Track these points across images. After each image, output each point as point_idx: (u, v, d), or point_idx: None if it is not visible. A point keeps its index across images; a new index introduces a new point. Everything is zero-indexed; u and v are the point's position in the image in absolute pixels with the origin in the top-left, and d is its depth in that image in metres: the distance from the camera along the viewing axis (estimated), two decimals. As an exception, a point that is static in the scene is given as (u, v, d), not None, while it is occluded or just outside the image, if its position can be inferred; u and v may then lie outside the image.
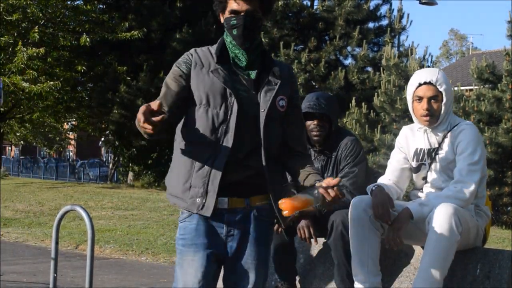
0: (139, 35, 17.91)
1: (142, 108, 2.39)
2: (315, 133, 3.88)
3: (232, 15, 2.63)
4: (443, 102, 3.45)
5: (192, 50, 2.75)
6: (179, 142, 2.73)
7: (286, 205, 2.51)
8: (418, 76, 3.51)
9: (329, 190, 2.48)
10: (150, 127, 2.40)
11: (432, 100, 3.45)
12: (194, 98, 2.66)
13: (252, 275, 2.70)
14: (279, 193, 2.68)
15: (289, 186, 2.84)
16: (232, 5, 2.62)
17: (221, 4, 2.67)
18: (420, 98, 3.47)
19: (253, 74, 2.68)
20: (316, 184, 2.57)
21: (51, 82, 17.02)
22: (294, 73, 2.82)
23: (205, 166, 2.61)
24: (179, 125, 2.74)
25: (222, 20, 2.70)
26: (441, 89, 3.45)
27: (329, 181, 2.51)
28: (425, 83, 3.47)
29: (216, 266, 2.69)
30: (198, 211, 2.63)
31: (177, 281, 2.69)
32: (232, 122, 2.59)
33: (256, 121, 2.62)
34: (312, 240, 3.83)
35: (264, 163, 2.62)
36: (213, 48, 2.72)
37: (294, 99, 2.76)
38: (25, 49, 16.49)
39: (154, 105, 2.39)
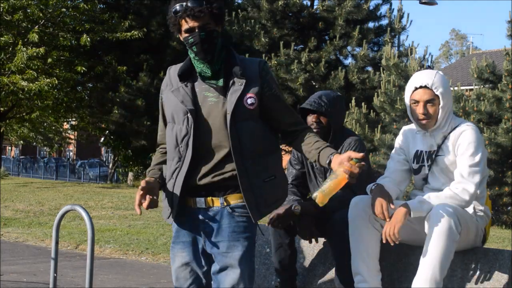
0: (140, 35, 17.88)
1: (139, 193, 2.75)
2: (313, 127, 3.89)
3: (187, 34, 2.77)
4: (440, 106, 3.45)
5: (168, 70, 2.97)
6: None
7: (318, 199, 2.75)
8: (415, 80, 3.51)
9: (352, 168, 2.66)
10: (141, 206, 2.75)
11: (428, 104, 3.45)
12: (166, 117, 2.91)
13: (230, 271, 2.77)
14: (258, 190, 2.76)
15: (276, 180, 2.84)
16: (185, 25, 2.77)
17: (175, 27, 2.83)
18: (417, 102, 3.47)
19: (220, 81, 2.80)
20: (333, 162, 2.73)
21: (48, 80, 17.00)
22: (266, 67, 2.85)
23: (171, 180, 2.83)
24: None
25: (182, 40, 2.85)
26: (437, 92, 3.44)
27: (350, 154, 2.69)
28: (421, 86, 3.46)
29: (206, 260, 2.86)
30: (166, 219, 2.91)
31: (172, 273, 2.91)
32: (190, 138, 2.75)
33: (225, 124, 2.75)
34: (313, 240, 3.82)
35: (236, 165, 2.72)
36: (179, 67, 2.89)
37: (267, 92, 2.82)
38: (25, 48, 16.48)
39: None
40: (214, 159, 2.76)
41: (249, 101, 2.76)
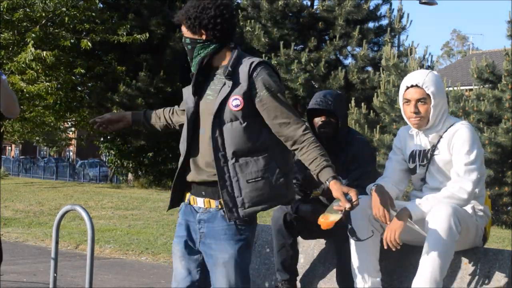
0: (142, 39, 17.83)
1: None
2: (322, 129, 3.89)
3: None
4: (431, 105, 3.45)
5: None
6: None
7: (322, 225, 2.81)
8: (406, 79, 3.53)
9: (346, 206, 2.67)
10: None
11: (420, 103, 3.45)
12: None
13: (218, 273, 2.80)
14: (237, 190, 2.76)
15: (264, 181, 2.77)
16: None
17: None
18: (408, 101, 3.49)
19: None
20: (332, 190, 2.71)
21: (47, 83, 16.99)
22: (260, 68, 2.80)
23: (177, 170, 2.95)
24: None
25: None
26: (429, 91, 3.44)
27: (343, 190, 2.68)
28: (412, 86, 3.47)
29: (201, 257, 2.90)
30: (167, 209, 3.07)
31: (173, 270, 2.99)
32: (185, 134, 2.89)
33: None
34: (314, 240, 3.81)
35: (216, 166, 2.76)
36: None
37: (256, 94, 2.77)
38: (32, 49, 16.38)
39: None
40: (207, 159, 2.81)
41: (234, 102, 2.77)
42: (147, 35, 18.03)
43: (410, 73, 3.60)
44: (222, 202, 2.78)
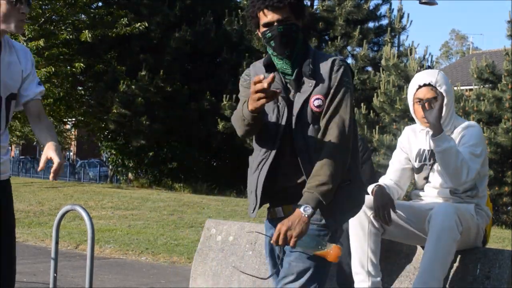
0: (141, 28, 17.81)
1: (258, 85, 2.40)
2: None
3: (266, 28, 2.60)
4: (444, 103, 3.45)
5: (251, 66, 2.78)
6: None
7: (331, 258, 2.52)
8: (418, 78, 3.51)
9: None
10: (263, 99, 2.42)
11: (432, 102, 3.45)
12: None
13: (299, 276, 2.57)
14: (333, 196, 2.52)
15: (352, 185, 2.61)
16: (264, 19, 2.59)
17: (254, 20, 2.64)
18: (421, 100, 3.47)
19: (294, 76, 2.63)
20: None
21: (45, 69, 16.92)
22: (339, 66, 2.60)
23: (256, 171, 2.65)
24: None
25: (260, 36, 2.68)
26: (441, 90, 3.45)
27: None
28: (424, 85, 3.47)
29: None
30: (250, 214, 2.68)
31: None
32: (280, 129, 2.59)
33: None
34: None
35: (304, 171, 2.55)
36: (263, 60, 2.72)
37: (333, 93, 2.58)
38: (24, 43, 16.46)
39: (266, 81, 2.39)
40: (291, 161, 2.58)
41: (316, 102, 2.57)
42: (146, 24, 18.01)
43: (419, 73, 3.59)
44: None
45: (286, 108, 2.60)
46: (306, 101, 2.57)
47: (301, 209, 2.46)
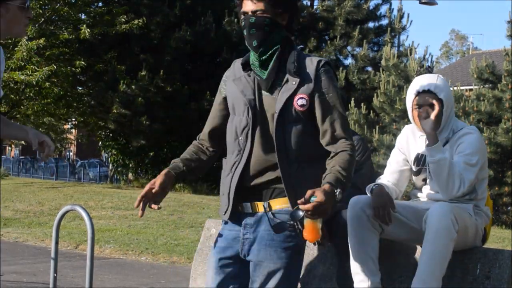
0: (140, 23, 17.81)
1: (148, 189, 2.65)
2: None
3: (242, 16, 2.66)
4: (443, 109, 3.43)
5: (234, 62, 2.83)
6: None
7: (307, 237, 2.52)
8: (417, 84, 3.49)
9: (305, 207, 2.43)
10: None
11: (431, 108, 3.44)
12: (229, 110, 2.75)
13: (270, 277, 2.58)
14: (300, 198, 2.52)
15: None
16: (242, 7, 2.66)
17: (239, 8, 2.70)
18: (420, 106, 3.46)
19: (264, 74, 2.64)
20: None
21: (47, 68, 16.93)
22: (326, 68, 2.62)
23: (229, 174, 2.69)
24: None
25: None
26: (441, 96, 3.43)
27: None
28: (424, 91, 3.45)
29: (236, 267, 2.69)
30: (222, 216, 2.74)
31: (207, 277, 2.81)
32: (249, 129, 2.61)
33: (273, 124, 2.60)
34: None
35: (281, 169, 2.57)
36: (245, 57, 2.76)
37: (320, 95, 2.60)
38: (26, 42, 16.42)
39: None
40: (265, 158, 2.60)
41: (300, 102, 2.58)
42: (145, 19, 18.02)
43: (417, 78, 3.55)
44: (286, 205, 2.57)
45: (256, 109, 2.62)
46: (289, 99, 2.58)
47: (337, 192, 2.49)
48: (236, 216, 2.69)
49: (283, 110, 2.57)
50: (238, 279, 2.69)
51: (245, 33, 2.66)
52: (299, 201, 2.43)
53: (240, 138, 2.64)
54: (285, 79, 2.60)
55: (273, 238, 2.58)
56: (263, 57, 2.64)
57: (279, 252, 2.57)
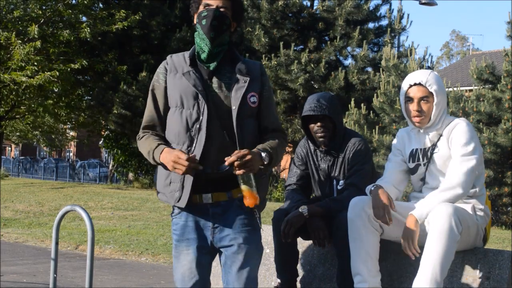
0: (137, 18, 17.85)
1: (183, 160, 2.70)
2: (319, 134, 3.88)
3: (204, 8, 2.86)
4: (434, 103, 3.47)
5: (167, 57, 2.99)
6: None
7: (248, 203, 2.76)
8: (409, 78, 3.55)
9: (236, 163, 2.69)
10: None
11: (422, 101, 3.48)
12: (169, 102, 2.90)
13: (247, 259, 2.85)
14: (256, 185, 2.79)
15: (267, 178, 2.99)
16: (207, 1, 2.86)
17: (195, 4, 2.89)
18: (411, 99, 3.50)
19: (212, 65, 2.87)
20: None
21: (49, 73, 16.95)
22: (265, 70, 2.98)
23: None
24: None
25: (195, 20, 2.90)
26: (432, 89, 3.47)
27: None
28: (415, 84, 3.50)
29: (209, 258, 2.93)
30: (175, 204, 2.87)
31: (175, 271, 2.94)
32: (204, 121, 2.79)
33: (229, 118, 2.81)
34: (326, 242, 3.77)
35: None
36: (187, 53, 2.94)
37: (265, 94, 2.94)
38: (22, 46, 16.42)
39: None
40: (223, 151, 2.78)
41: (252, 99, 2.87)
42: (140, 14, 18.05)
43: (411, 72, 3.62)
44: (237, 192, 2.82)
45: (209, 103, 2.80)
46: (244, 97, 2.83)
47: (263, 154, 2.79)
48: (192, 206, 2.86)
49: (241, 106, 2.82)
50: (205, 267, 2.92)
51: (204, 23, 2.82)
52: (226, 158, 2.68)
53: (191, 130, 2.81)
54: (235, 78, 2.86)
55: (244, 222, 2.86)
56: (215, 50, 2.84)
57: (254, 231, 2.89)
